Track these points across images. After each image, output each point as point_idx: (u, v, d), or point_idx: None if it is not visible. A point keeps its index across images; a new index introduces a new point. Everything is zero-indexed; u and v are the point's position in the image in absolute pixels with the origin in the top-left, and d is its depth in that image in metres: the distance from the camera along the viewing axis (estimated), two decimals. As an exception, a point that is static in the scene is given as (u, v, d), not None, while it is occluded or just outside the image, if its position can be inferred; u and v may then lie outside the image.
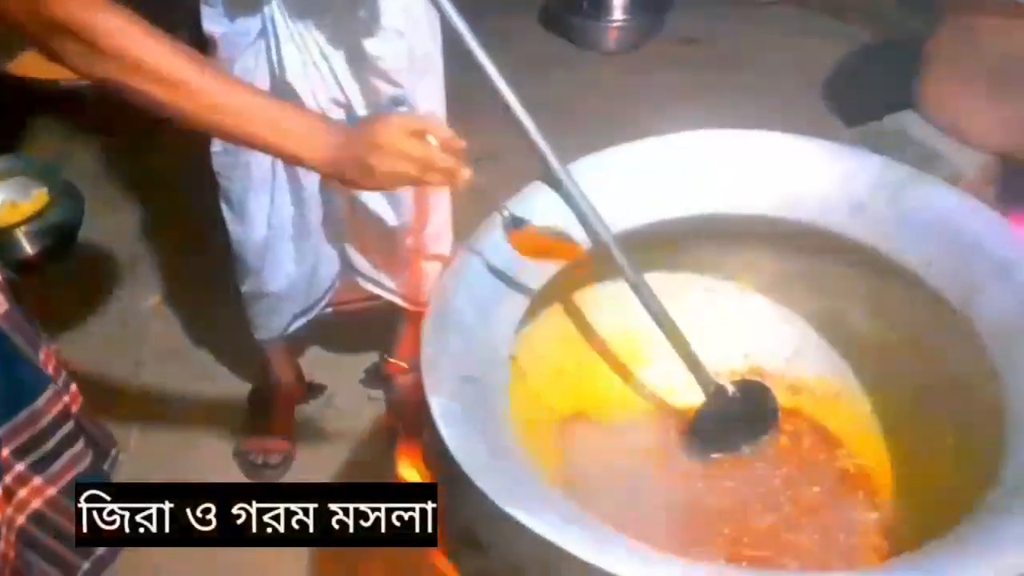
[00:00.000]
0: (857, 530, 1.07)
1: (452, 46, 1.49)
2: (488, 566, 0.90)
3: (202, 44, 1.40)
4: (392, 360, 1.94)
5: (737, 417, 1.18)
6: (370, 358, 2.02)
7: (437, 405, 0.87)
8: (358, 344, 2.03)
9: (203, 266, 1.81)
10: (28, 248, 2.24)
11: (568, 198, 1.02)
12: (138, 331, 2.12)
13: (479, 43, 0.97)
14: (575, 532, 0.72)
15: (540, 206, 1.06)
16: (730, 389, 1.17)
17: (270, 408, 1.88)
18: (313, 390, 1.97)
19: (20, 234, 2.24)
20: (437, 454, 1.01)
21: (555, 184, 1.02)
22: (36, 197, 2.28)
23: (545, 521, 0.72)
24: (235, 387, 1.99)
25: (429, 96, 1.44)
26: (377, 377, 1.98)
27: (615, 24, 3.06)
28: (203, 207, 1.61)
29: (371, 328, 1.96)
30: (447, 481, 0.99)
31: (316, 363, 2.01)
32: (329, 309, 1.80)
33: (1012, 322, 0.92)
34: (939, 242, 1.02)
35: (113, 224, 2.37)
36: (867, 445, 1.20)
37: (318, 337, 1.95)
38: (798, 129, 1.20)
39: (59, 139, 2.57)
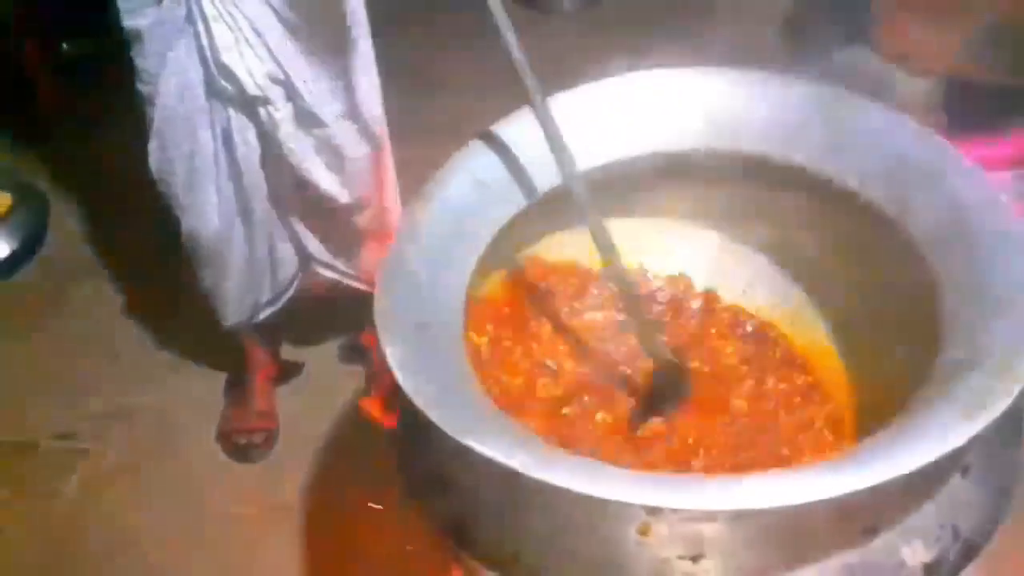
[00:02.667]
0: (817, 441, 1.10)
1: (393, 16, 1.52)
2: (453, 506, 0.93)
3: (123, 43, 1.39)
4: (366, 333, 1.96)
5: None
6: (345, 334, 2.04)
7: (391, 352, 0.89)
8: (332, 322, 2.05)
9: (172, 258, 1.82)
10: (-4, 252, 2.26)
11: (546, 126, 1.03)
12: (111, 326, 2.14)
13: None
14: (525, 453, 0.74)
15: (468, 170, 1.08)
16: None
17: (249, 390, 1.90)
18: (291, 369, 1.99)
19: (-13, 240, 2.26)
20: (399, 403, 1.04)
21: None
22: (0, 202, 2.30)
23: (494, 446, 0.75)
24: (214, 373, 2.01)
25: (363, 64, 1.46)
26: (352, 351, 2.01)
27: (572, -17, 3.06)
28: (164, 202, 1.62)
29: (344, 305, 1.98)
30: (410, 428, 1.02)
31: (292, 343, 2.04)
32: (292, 294, 1.81)
33: (943, 228, 0.95)
34: (872, 158, 1.04)
35: (78, 223, 2.38)
36: (826, 364, 1.23)
37: (291, 319, 1.97)
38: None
39: (11, 140, 2.57)
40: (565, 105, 1.19)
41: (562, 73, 1.28)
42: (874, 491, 0.71)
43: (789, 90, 1.12)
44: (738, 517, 0.79)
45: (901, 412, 0.80)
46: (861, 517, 0.81)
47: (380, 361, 0.90)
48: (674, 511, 0.77)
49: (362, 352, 1.98)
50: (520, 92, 1.18)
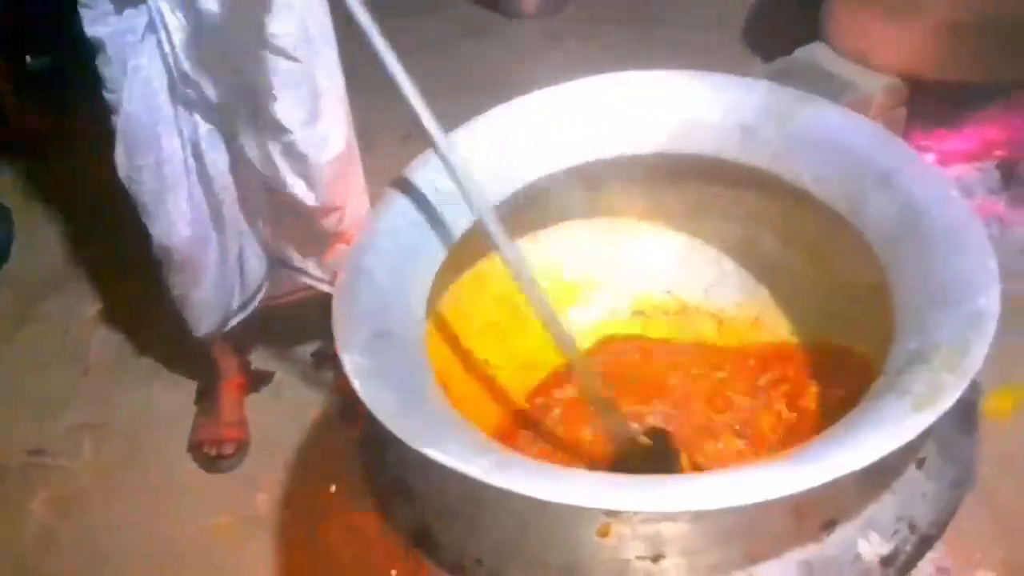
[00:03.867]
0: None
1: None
2: (418, 514, 0.93)
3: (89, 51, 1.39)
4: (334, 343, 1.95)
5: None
6: (315, 344, 2.03)
7: (349, 361, 0.89)
8: (302, 331, 2.04)
9: (140, 271, 1.81)
10: (-42, 268, 2.23)
11: (448, 168, 1.01)
12: (81, 340, 2.12)
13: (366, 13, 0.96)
14: (484, 460, 0.74)
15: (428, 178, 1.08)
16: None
17: (219, 400, 1.89)
18: (261, 379, 1.98)
19: (-50, 255, 2.23)
20: (362, 413, 1.04)
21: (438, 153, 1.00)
22: (-37, 218, 2.27)
23: (453, 454, 0.75)
24: (184, 384, 2.00)
25: (328, 71, 1.44)
26: (323, 359, 2.00)
27: (536, -11, 3.06)
28: (133, 212, 1.60)
29: (314, 312, 1.97)
30: (373, 438, 1.02)
31: (262, 352, 2.02)
32: (264, 302, 1.80)
33: (894, 226, 0.96)
34: (826, 158, 1.05)
35: (45, 237, 2.36)
36: (788, 363, 1.24)
37: (261, 328, 1.96)
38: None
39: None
40: (527, 109, 1.20)
41: (523, 77, 1.29)
42: (830, 486, 0.72)
43: (745, 92, 1.13)
44: (697, 516, 0.79)
45: (854, 407, 0.81)
46: (818, 512, 0.82)
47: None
48: (633, 513, 0.78)
49: (332, 361, 1.97)
50: (494, 94, 1.20)
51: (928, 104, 2.03)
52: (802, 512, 0.81)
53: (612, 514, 0.79)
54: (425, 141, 1.02)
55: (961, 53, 1.93)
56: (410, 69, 0.99)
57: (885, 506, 0.85)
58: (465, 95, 1.06)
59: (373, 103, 1.63)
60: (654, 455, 1.11)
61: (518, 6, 3.07)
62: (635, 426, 1.14)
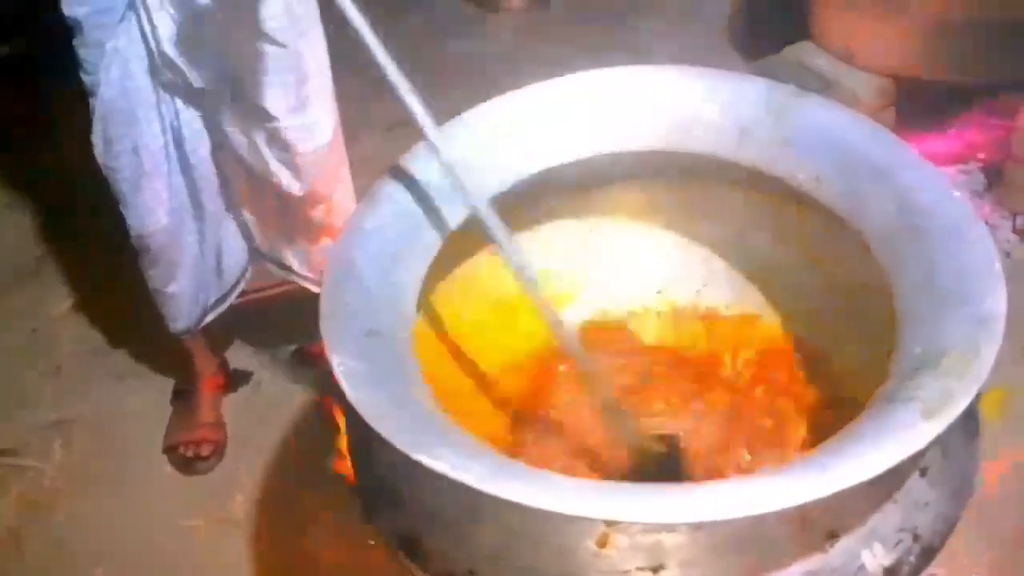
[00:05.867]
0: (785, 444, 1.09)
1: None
2: (407, 521, 0.90)
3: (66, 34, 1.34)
4: (316, 341, 1.91)
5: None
6: (295, 342, 1.99)
7: (339, 363, 0.85)
8: (282, 328, 2.00)
9: (113, 265, 1.76)
10: (-78, 261, 2.16)
11: (442, 162, 0.98)
12: (52, 337, 2.07)
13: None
14: (478, 466, 0.71)
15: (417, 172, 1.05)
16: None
17: (196, 400, 1.85)
18: (239, 378, 1.93)
19: (-86, 248, 2.17)
20: (348, 415, 1.01)
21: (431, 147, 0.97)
22: (-72, 209, 2.21)
23: (446, 460, 0.72)
24: (159, 383, 1.95)
25: (314, 54, 1.40)
26: (304, 359, 1.96)
27: (519, -17, 3.04)
28: (107, 204, 1.56)
29: (294, 311, 1.93)
30: (360, 441, 0.99)
31: (241, 351, 1.98)
32: (242, 298, 1.76)
33: (894, 224, 0.94)
34: (825, 156, 1.03)
35: (13, 230, 2.30)
36: (781, 364, 1.22)
37: (240, 325, 1.92)
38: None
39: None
40: (514, 105, 1.17)
41: (510, 72, 1.27)
42: (835, 497, 0.70)
43: (741, 88, 1.11)
44: (699, 527, 0.77)
45: (860, 414, 0.78)
46: (822, 523, 0.80)
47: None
48: (632, 523, 0.75)
49: (312, 360, 1.93)
50: (480, 88, 1.16)
51: (913, 106, 2.03)
52: (807, 523, 0.78)
53: (611, 524, 0.76)
54: (419, 134, 0.99)
55: (949, 53, 1.92)
56: (398, 62, 0.95)
57: (888, 516, 0.83)
58: (447, 91, 1.03)
59: (356, 92, 1.60)
60: (667, 462, 1.08)
61: (501, 1, 3.04)
62: (642, 432, 1.10)
